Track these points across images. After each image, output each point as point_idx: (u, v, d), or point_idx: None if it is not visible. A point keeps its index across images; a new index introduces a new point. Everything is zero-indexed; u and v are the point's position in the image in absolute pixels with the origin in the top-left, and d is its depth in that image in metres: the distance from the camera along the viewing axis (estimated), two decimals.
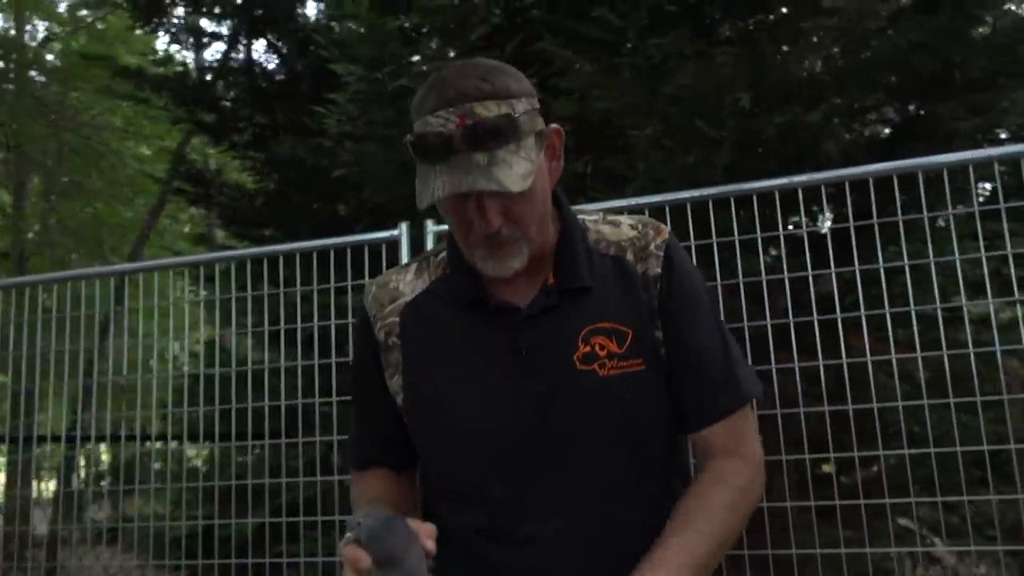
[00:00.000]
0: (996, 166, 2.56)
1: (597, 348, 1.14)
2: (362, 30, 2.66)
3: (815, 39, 2.64)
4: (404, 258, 2.74)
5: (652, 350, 1.16)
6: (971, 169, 2.42)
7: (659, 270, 1.19)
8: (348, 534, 0.95)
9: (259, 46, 4.02)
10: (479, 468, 1.16)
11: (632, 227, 1.23)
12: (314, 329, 2.89)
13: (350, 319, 2.81)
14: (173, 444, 3.89)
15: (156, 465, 3.56)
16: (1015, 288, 2.30)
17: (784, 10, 2.66)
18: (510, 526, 1.14)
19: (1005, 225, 2.27)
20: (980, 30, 3.55)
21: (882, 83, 2.94)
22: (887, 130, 3.91)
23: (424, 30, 2.90)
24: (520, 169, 1.06)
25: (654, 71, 2.89)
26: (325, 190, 3.80)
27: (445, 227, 2.77)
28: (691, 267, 1.24)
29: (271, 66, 3.97)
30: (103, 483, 5.82)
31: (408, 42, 2.71)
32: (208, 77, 4.23)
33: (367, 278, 2.78)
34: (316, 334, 2.88)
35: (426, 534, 1.00)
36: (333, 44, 2.86)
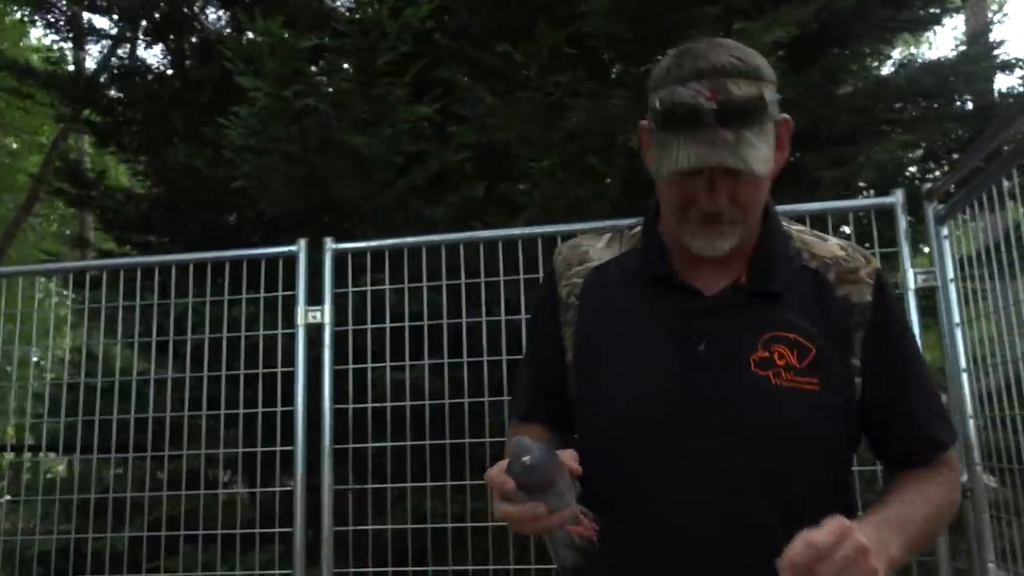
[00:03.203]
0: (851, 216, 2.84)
1: (776, 356, 1.10)
2: (271, 45, 2.68)
3: None
4: (301, 275, 2.76)
5: (835, 374, 1.11)
6: (829, 217, 2.65)
7: (869, 299, 1.14)
8: (506, 461, 1.00)
9: (156, 50, 3.95)
10: (624, 447, 1.13)
11: (841, 248, 1.18)
12: (186, 342, 2.85)
13: (242, 332, 2.81)
14: (34, 455, 3.71)
15: (27, 476, 3.39)
16: None
17: None
18: (645, 506, 1.11)
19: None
20: (844, 90, 3.91)
21: None
22: None
23: (334, 49, 2.94)
24: (763, 152, 1.04)
25: (552, 107, 3.04)
26: (218, 199, 3.75)
27: (345, 245, 2.81)
28: (897, 303, 1.21)
29: (168, 72, 3.88)
30: None
31: (316, 61, 2.76)
32: (102, 78, 4.09)
33: (262, 292, 2.82)
34: (189, 346, 2.84)
35: (570, 457, 1.04)
36: (239, 57, 2.86)
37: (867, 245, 2.65)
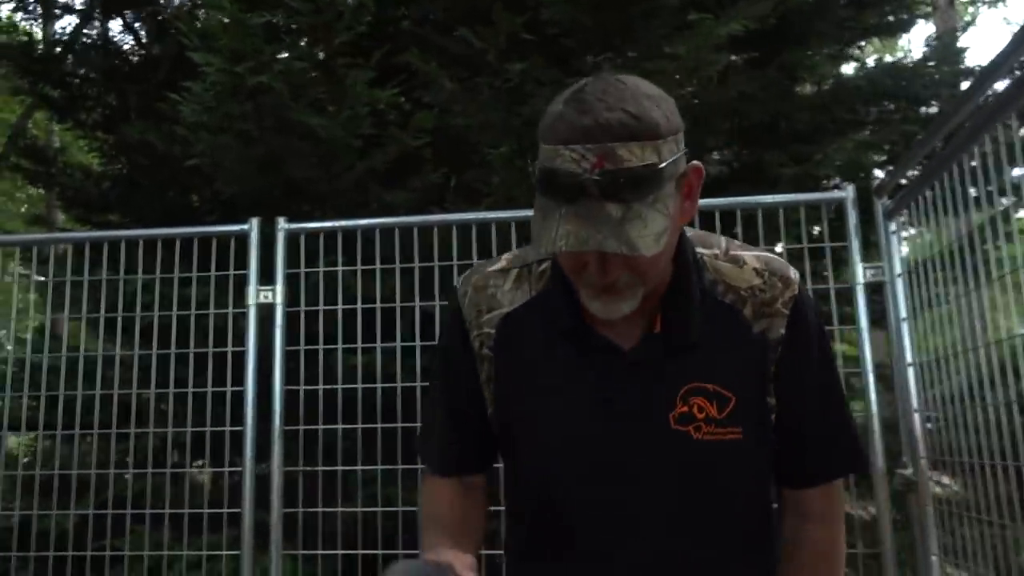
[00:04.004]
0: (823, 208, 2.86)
1: (695, 410, 1.08)
2: (225, 21, 2.65)
3: (659, 81, 2.86)
4: (253, 253, 2.74)
5: (756, 417, 1.10)
6: (803, 210, 2.67)
7: (783, 331, 1.10)
8: None
9: (114, 25, 3.88)
10: (548, 507, 1.13)
11: (758, 273, 1.11)
12: (135, 320, 2.82)
13: (192, 311, 2.78)
14: None
15: None
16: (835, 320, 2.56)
17: (631, 53, 2.88)
18: (574, 563, 1.12)
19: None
20: (804, 89, 3.95)
21: (718, 128, 3.22)
22: (723, 172, 4.25)
23: (292, 27, 2.92)
24: (655, 227, 0.94)
25: (511, 93, 3.04)
26: (177, 178, 3.71)
27: (297, 225, 2.80)
28: (817, 324, 1.14)
29: (125, 47, 3.83)
30: None
31: (271, 39, 2.73)
32: (57, 51, 4.01)
33: (213, 270, 2.80)
34: (137, 324, 2.81)
35: (464, 566, 0.97)
36: (195, 33, 2.83)
37: (818, 239, 2.68)
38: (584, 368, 1.10)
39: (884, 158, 4.20)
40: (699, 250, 1.13)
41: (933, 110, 4.34)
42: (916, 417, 2.42)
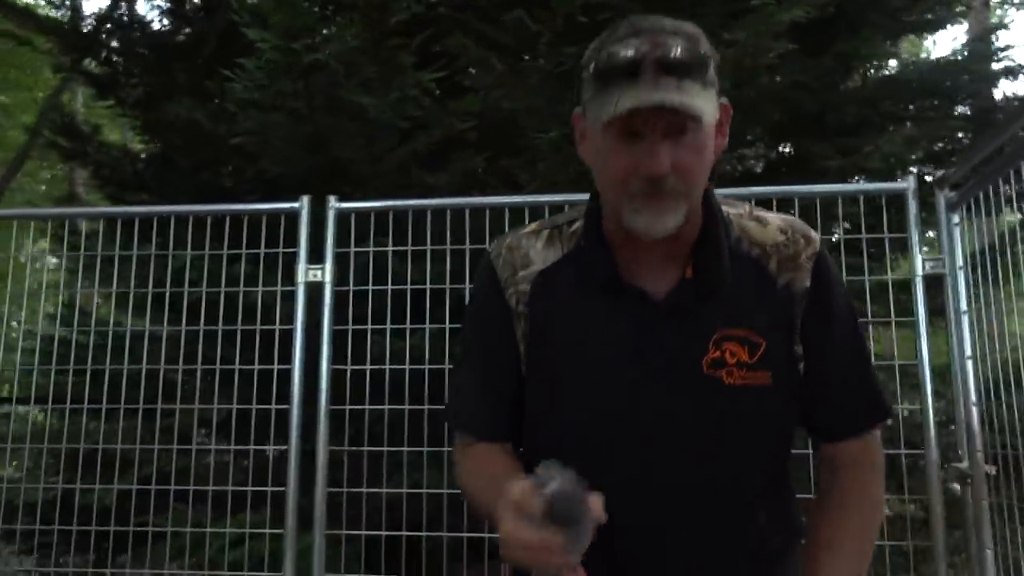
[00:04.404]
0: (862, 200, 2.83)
1: (727, 355, 1.11)
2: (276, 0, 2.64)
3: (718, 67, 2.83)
4: (303, 233, 2.72)
5: (784, 364, 1.13)
6: (840, 201, 2.65)
7: (807, 284, 1.14)
8: (533, 480, 0.92)
9: (159, 1, 3.87)
10: (584, 453, 1.09)
11: (782, 231, 1.17)
12: (183, 296, 2.81)
13: (241, 288, 2.77)
14: (27, 408, 3.66)
15: (14, 426, 3.34)
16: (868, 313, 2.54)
17: None
18: (614, 504, 1.10)
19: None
20: (852, 82, 3.91)
21: (769, 117, 3.18)
22: (760, 165, 4.21)
23: (344, 3, 2.89)
24: (707, 106, 1.02)
25: (561, 77, 3.01)
26: (218, 157, 3.70)
27: (348, 205, 2.78)
28: (839, 280, 1.20)
29: (169, 24, 3.81)
30: None
31: (323, 19, 2.71)
32: (105, 26, 4.00)
33: (263, 247, 2.78)
34: (185, 300, 2.80)
35: (596, 503, 0.97)
36: (245, 9, 2.81)
37: (876, 231, 2.65)
38: (619, 317, 1.13)
39: (922, 151, 4.15)
40: (725, 209, 1.17)
41: (962, 108, 4.30)
42: (975, 411, 2.39)
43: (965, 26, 10.52)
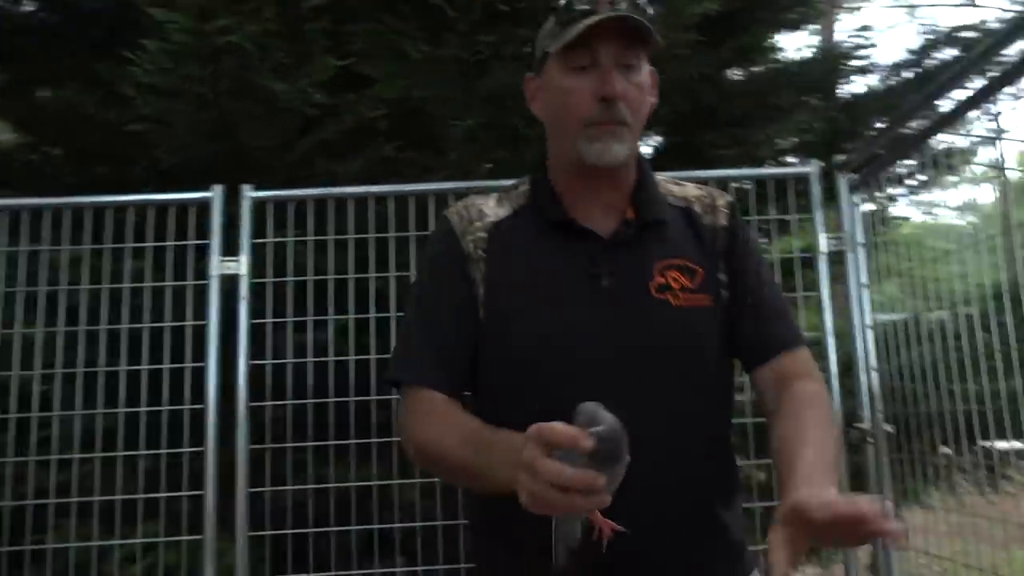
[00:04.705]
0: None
1: (671, 280, 1.23)
2: None
3: None
4: (216, 221, 2.59)
5: (717, 290, 1.27)
6: (771, 183, 2.76)
7: (725, 223, 1.32)
8: (579, 419, 0.92)
9: None
10: (546, 385, 1.18)
11: (697, 188, 1.37)
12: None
13: (148, 283, 2.61)
14: None
15: None
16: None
17: None
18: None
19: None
20: (743, 74, 4.10)
21: (680, 108, 3.27)
22: (654, 154, 4.34)
23: None
24: (648, 49, 1.24)
25: (478, 66, 3.00)
26: (101, 147, 3.45)
27: (262, 193, 2.66)
28: (747, 225, 1.38)
29: (42, 5, 3.52)
30: None
31: (235, 0, 2.58)
32: None
33: (172, 240, 2.63)
34: (84, 298, 2.61)
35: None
36: None
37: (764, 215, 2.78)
38: (571, 252, 1.25)
39: (797, 141, 4.40)
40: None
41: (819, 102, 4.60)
42: (874, 375, 2.57)
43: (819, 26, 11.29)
